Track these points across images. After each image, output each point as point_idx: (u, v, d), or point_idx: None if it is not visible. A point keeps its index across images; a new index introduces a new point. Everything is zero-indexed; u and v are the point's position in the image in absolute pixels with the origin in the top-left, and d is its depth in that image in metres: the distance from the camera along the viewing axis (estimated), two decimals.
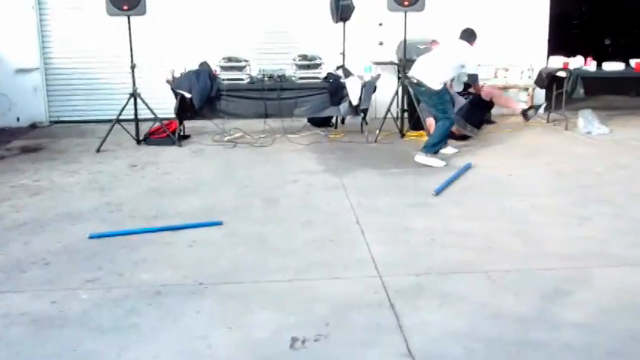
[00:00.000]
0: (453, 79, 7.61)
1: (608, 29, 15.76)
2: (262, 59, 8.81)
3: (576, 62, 8.79)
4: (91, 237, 4.87)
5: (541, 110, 8.41)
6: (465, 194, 5.91)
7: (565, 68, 8.71)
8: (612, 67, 8.87)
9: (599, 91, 8.96)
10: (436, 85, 6.96)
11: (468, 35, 7.16)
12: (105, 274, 4.21)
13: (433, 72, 6.98)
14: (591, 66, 8.81)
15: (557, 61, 8.94)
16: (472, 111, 7.93)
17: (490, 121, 8.89)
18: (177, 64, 8.24)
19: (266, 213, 5.46)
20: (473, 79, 7.30)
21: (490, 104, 8.07)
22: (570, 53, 9.14)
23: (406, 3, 7.83)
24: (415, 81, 7.13)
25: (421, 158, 6.94)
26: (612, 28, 15.66)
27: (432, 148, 6.99)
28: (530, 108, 8.16)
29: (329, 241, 4.79)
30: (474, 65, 7.14)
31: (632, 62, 8.92)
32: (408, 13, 7.95)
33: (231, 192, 6.05)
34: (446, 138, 7.18)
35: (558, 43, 10.22)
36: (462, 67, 7.14)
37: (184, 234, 4.93)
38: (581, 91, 8.51)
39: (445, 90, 7.16)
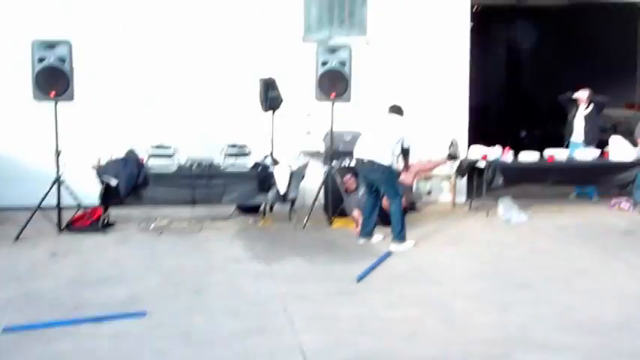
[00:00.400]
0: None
1: (523, 122, 16.67)
2: (192, 147, 8.83)
3: (494, 153, 9.23)
4: (6, 330, 4.65)
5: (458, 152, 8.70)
6: (390, 281, 5.99)
7: (484, 159, 9.12)
8: (528, 157, 9.34)
9: (517, 180, 9.36)
10: (387, 161, 7.24)
11: (398, 109, 7.58)
12: None
13: (380, 148, 7.25)
14: (508, 156, 9.26)
15: (477, 152, 9.37)
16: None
17: (414, 209, 9.13)
18: (104, 150, 8.17)
19: (192, 303, 5.36)
20: (406, 153, 7.49)
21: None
22: (489, 143, 9.60)
23: (332, 94, 8.10)
24: (366, 161, 7.33)
25: (395, 247, 7.13)
26: (528, 120, 16.58)
27: (401, 234, 7.23)
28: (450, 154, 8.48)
29: (256, 330, 4.74)
30: (412, 137, 7.46)
31: (546, 153, 9.44)
32: (335, 104, 8.22)
33: (156, 281, 5.93)
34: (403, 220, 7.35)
35: (478, 135, 10.72)
36: (402, 141, 7.37)
37: (106, 326, 4.78)
38: (500, 180, 8.92)
39: (393, 167, 7.38)
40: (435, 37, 10.04)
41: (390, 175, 7.32)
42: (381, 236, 7.54)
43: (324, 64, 8.08)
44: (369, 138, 7.47)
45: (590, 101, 9.94)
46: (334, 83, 8.09)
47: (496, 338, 4.62)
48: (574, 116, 10.04)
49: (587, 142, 9.87)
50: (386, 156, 7.24)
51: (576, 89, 10.06)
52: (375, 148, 7.28)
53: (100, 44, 9.17)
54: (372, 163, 7.27)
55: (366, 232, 7.59)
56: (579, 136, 9.96)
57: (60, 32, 8.14)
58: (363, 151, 7.39)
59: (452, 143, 8.39)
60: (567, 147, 9.94)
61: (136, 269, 6.35)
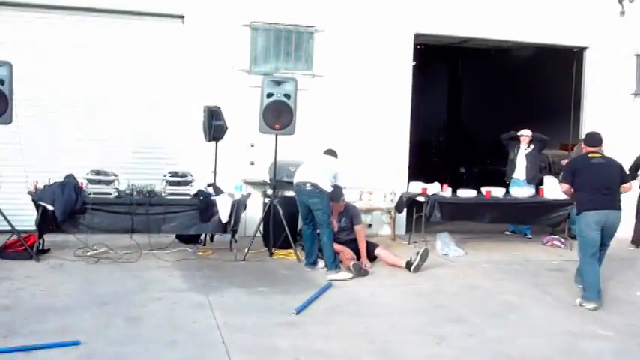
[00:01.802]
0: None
1: (463, 159, 17.10)
2: (132, 174, 8.75)
3: (434, 188, 9.46)
4: None
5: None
6: (329, 314, 6.02)
7: (424, 194, 9.33)
8: (466, 193, 9.60)
9: (455, 216, 9.59)
10: (326, 187, 7.53)
11: (332, 152, 7.91)
12: None
13: (321, 175, 7.55)
14: (447, 192, 9.50)
15: (417, 187, 9.58)
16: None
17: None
18: (41, 175, 8.00)
19: (128, 332, 5.27)
20: (338, 190, 7.73)
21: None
22: (429, 179, 9.83)
23: (277, 127, 8.17)
24: (309, 184, 7.50)
25: (332, 276, 7.28)
26: (467, 157, 17.02)
27: (334, 262, 7.44)
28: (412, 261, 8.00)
29: None
30: (345, 176, 7.75)
31: (484, 190, 9.72)
32: (279, 136, 8.29)
33: (90, 309, 5.80)
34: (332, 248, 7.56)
35: (418, 170, 10.97)
36: (334, 177, 7.64)
37: (37, 355, 4.65)
38: (438, 215, 9.14)
39: (325, 199, 7.59)
40: (380, 73, 10.30)
41: (326, 202, 7.58)
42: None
43: (269, 95, 8.16)
44: (311, 165, 7.76)
45: (531, 140, 10.31)
46: (279, 115, 8.17)
47: None
48: (516, 155, 10.38)
49: (529, 179, 10.23)
50: (326, 183, 7.54)
51: (516, 129, 10.43)
52: (317, 174, 7.57)
53: (42, 67, 9.06)
54: (314, 186, 7.49)
55: (311, 262, 7.73)
56: (521, 174, 10.31)
57: (0, 54, 8.02)
58: (305, 176, 7.61)
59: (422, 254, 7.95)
60: (509, 184, 10.25)
61: (69, 297, 6.21)
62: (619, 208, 6.65)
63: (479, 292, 7.08)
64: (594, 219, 6.49)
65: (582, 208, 6.63)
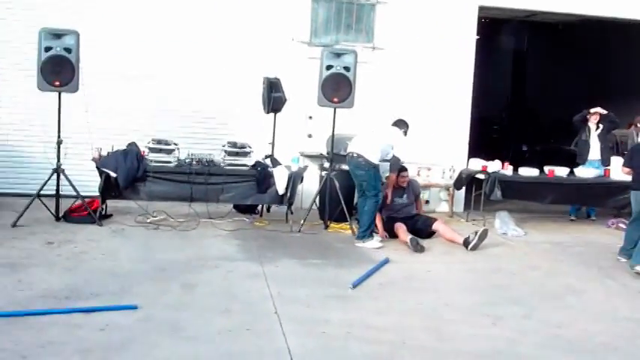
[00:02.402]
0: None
1: (525, 136, 16.68)
2: (192, 144, 8.87)
3: (494, 166, 9.23)
4: None
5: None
6: (383, 289, 5.99)
7: (484, 171, 9.13)
8: (528, 172, 9.34)
9: (516, 194, 9.36)
10: (374, 159, 7.53)
11: (399, 122, 7.84)
12: (7, 356, 4.02)
13: (370, 148, 7.55)
14: (508, 170, 9.27)
15: (477, 164, 9.37)
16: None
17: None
18: (105, 142, 8.19)
19: (183, 298, 5.37)
20: (394, 161, 7.68)
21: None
22: (489, 157, 9.62)
23: (335, 99, 8.11)
24: (355, 155, 7.56)
25: (359, 244, 7.42)
26: (530, 135, 16.59)
27: (365, 232, 7.50)
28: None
29: (245, 330, 4.74)
30: (401, 149, 7.67)
31: (546, 169, 9.44)
32: (337, 109, 8.24)
33: (148, 275, 5.93)
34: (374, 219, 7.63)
35: (478, 147, 10.75)
36: (391, 148, 7.63)
37: (96, 317, 4.78)
38: (499, 193, 8.91)
39: (378, 168, 7.66)
40: (442, 46, 10.09)
41: (374, 174, 7.59)
42: (377, 244, 7.56)
43: (328, 68, 8.09)
44: (363, 136, 7.76)
45: (599, 120, 9.89)
46: (338, 88, 8.10)
47: (484, 352, 4.62)
48: (588, 135, 9.97)
49: (604, 160, 9.84)
50: (373, 155, 7.54)
51: (582, 108, 10.01)
52: (367, 145, 7.58)
53: (108, 37, 9.25)
54: (360, 157, 7.52)
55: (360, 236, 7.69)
56: (596, 154, 9.92)
57: (68, 22, 8.18)
58: (354, 146, 7.67)
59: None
60: (581, 165, 9.84)
61: (129, 262, 6.36)
62: None
63: (538, 273, 6.92)
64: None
65: (633, 187, 7.44)
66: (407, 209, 8.13)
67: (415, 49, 10.00)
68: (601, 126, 9.91)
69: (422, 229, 8.01)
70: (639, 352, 4.83)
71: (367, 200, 7.59)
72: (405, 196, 8.15)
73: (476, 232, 7.73)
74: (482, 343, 4.77)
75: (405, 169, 8.16)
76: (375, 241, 7.53)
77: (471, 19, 10.23)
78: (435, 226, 8.05)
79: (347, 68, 8.12)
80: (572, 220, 10.12)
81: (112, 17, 9.32)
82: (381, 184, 7.77)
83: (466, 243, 7.67)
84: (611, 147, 11.49)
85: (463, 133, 10.36)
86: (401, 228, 7.78)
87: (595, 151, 9.93)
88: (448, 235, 7.99)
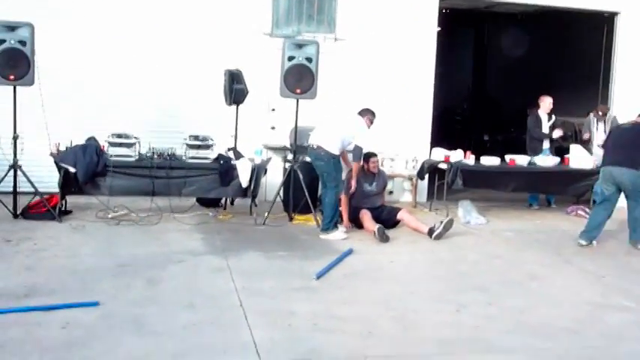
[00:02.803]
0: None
1: (487, 126, 16.85)
2: (153, 137, 8.70)
3: (456, 155, 9.31)
4: None
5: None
6: (347, 279, 6.00)
7: (446, 161, 9.20)
8: (489, 161, 9.44)
9: (478, 184, 9.46)
10: (334, 150, 7.54)
11: (364, 111, 7.84)
12: None
13: (330, 138, 7.56)
14: (470, 159, 9.35)
15: (440, 154, 9.44)
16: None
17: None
18: (63, 137, 8.01)
19: (146, 294, 5.29)
20: (357, 150, 7.67)
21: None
22: (452, 147, 9.69)
23: (298, 90, 8.08)
24: (315, 146, 7.57)
25: (324, 236, 7.44)
26: (491, 125, 16.76)
27: (329, 223, 7.48)
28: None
29: (210, 324, 4.70)
30: (363, 137, 7.67)
31: (507, 158, 9.56)
32: (300, 100, 8.21)
33: (110, 271, 5.83)
34: (337, 210, 7.62)
35: (441, 137, 10.82)
36: (352, 138, 7.63)
37: (57, 314, 4.69)
38: (460, 182, 9.01)
39: (339, 159, 7.66)
40: (403, 37, 10.11)
41: (334, 164, 7.59)
42: (343, 235, 7.58)
43: (290, 59, 8.05)
44: (323, 127, 7.76)
45: (551, 112, 10.09)
46: (300, 79, 8.07)
47: (450, 338, 4.66)
48: (541, 126, 10.13)
49: (551, 149, 10.06)
50: (333, 145, 7.55)
51: (540, 96, 10.17)
52: (326, 136, 7.59)
53: (65, 30, 9.03)
54: (319, 148, 7.54)
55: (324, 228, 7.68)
56: (546, 143, 10.10)
57: (22, 15, 7.97)
58: (315, 138, 7.68)
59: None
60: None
61: (90, 258, 6.25)
62: (631, 167, 7.38)
63: (500, 260, 7.01)
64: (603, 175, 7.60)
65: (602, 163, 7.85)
66: (373, 199, 8.14)
67: (377, 39, 10.01)
68: (553, 117, 10.07)
69: (387, 219, 8.03)
70: (600, 335, 4.93)
71: (328, 192, 7.60)
72: (374, 184, 8.15)
73: (441, 222, 7.78)
74: (447, 330, 4.81)
75: (374, 155, 8.16)
76: (339, 232, 7.55)
77: (432, 10, 10.27)
78: (400, 215, 8.09)
79: (309, 59, 8.08)
80: (535, 209, 10.24)
81: (68, 9, 9.10)
82: (341, 177, 7.75)
83: (431, 232, 7.73)
84: (570, 135, 11.72)
85: (425, 123, 10.41)
86: (366, 215, 7.79)
87: (546, 141, 10.11)
88: (413, 224, 8.03)
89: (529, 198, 10.36)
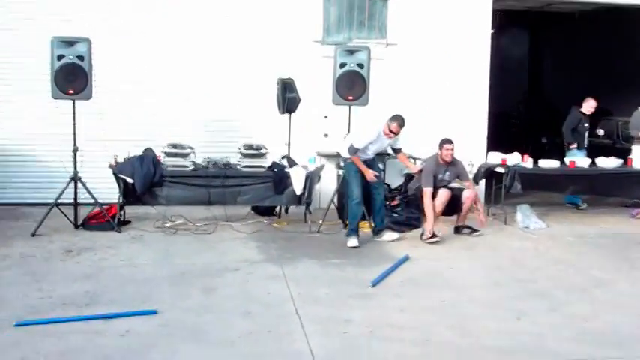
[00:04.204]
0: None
1: (544, 128, 16.45)
2: (208, 147, 8.82)
3: (514, 159, 9.10)
4: (18, 324, 4.67)
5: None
6: (404, 286, 5.92)
7: (503, 164, 9.00)
8: (548, 164, 9.20)
9: (536, 187, 9.23)
10: (344, 153, 7.57)
11: (392, 117, 7.53)
12: None
13: (344, 144, 7.65)
14: (528, 163, 9.13)
15: (496, 158, 9.24)
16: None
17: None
18: (121, 149, 8.18)
19: (203, 302, 5.34)
20: (350, 149, 7.54)
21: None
22: (509, 150, 9.48)
23: (350, 97, 8.06)
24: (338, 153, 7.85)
25: (347, 241, 7.39)
26: (548, 127, 16.35)
27: (347, 230, 7.53)
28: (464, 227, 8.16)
29: (267, 332, 4.70)
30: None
31: (567, 160, 9.30)
32: (352, 107, 8.16)
33: (168, 280, 5.91)
34: (357, 217, 7.54)
35: (497, 141, 10.60)
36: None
37: (116, 323, 4.77)
38: (519, 186, 8.78)
39: (351, 166, 7.55)
40: (456, 40, 9.96)
41: (348, 170, 7.61)
42: (395, 235, 7.64)
43: (342, 66, 8.03)
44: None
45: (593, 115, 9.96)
46: (352, 86, 8.05)
47: (510, 347, 4.54)
48: (584, 127, 9.98)
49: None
50: (343, 148, 7.61)
51: (595, 97, 9.97)
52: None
53: (120, 44, 9.22)
54: (339, 155, 7.77)
55: (376, 230, 7.78)
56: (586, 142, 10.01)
57: (79, 30, 8.19)
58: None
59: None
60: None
61: (148, 267, 6.35)
62: None
63: (562, 266, 6.80)
64: None
65: None
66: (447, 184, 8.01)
67: (429, 44, 9.89)
68: (596, 125, 9.94)
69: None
70: None
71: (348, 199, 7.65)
72: (447, 173, 7.97)
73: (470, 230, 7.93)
74: (507, 339, 4.68)
75: (449, 142, 7.98)
76: (352, 239, 7.38)
77: (485, 12, 10.10)
78: (466, 193, 7.97)
79: (361, 65, 8.06)
80: (582, 209, 9.97)
81: (123, 23, 9.30)
82: (358, 184, 7.53)
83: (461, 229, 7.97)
84: (633, 136, 11.33)
85: (481, 127, 10.22)
86: (441, 198, 7.77)
87: (585, 139, 10.00)
88: (478, 206, 8.02)
89: (565, 199, 10.09)
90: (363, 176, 7.50)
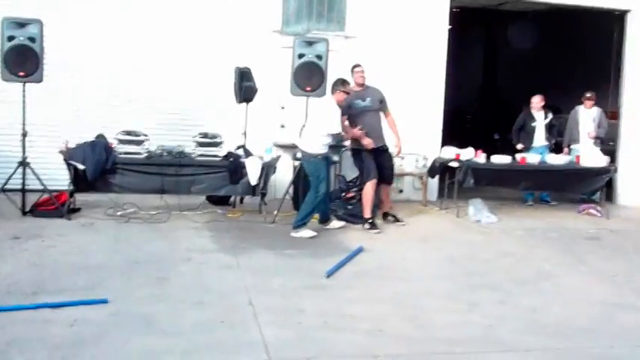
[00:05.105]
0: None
1: (497, 125, 16.72)
2: (163, 135, 8.70)
3: (467, 154, 9.23)
4: None
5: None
6: (358, 277, 5.94)
7: (457, 159, 9.12)
8: (500, 159, 9.35)
9: (488, 182, 9.37)
10: (313, 150, 7.48)
11: (333, 86, 7.54)
12: None
13: (307, 138, 7.54)
14: (481, 158, 9.27)
15: (450, 152, 9.36)
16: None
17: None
18: (72, 134, 7.99)
19: (155, 292, 5.25)
20: (336, 138, 7.63)
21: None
22: (462, 145, 9.61)
23: (308, 88, 8.04)
24: (299, 152, 7.67)
25: (293, 234, 7.34)
26: (502, 124, 16.63)
27: (302, 221, 7.42)
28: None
29: (220, 322, 4.66)
30: (332, 125, 7.45)
31: (518, 156, 9.48)
32: (310, 98, 8.15)
33: (119, 269, 5.80)
34: (311, 213, 7.55)
35: (451, 136, 10.73)
36: (325, 130, 7.48)
37: (66, 312, 4.66)
38: (471, 181, 8.92)
39: (322, 158, 7.51)
40: (414, 35, 10.04)
41: (314, 165, 7.52)
42: (341, 223, 7.84)
43: (300, 56, 8.01)
44: (305, 127, 7.75)
45: (544, 108, 10.13)
46: (310, 77, 8.03)
47: (461, 338, 4.60)
48: (533, 122, 10.19)
49: (549, 146, 10.17)
50: (312, 145, 7.48)
51: (546, 94, 10.20)
52: (304, 137, 7.63)
53: (74, 27, 9.02)
54: (300, 151, 7.62)
55: (320, 220, 7.85)
56: (541, 141, 10.16)
57: (31, 11, 7.96)
58: (297, 139, 7.84)
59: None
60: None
61: (99, 256, 6.22)
62: None
63: (512, 259, 6.93)
64: None
65: None
66: (372, 120, 7.95)
67: (387, 37, 9.93)
68: (549, 115, 10.10)
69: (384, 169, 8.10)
70: (615, 335, 4.85)
71: (311, 191, 7.53)
72: (368, 98, 7.97)
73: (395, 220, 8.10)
74: (459, 330, 4.74)
75: (358, 65, 8.07)
76: (307, 231, 7.39)
77: (443, 9, 10.20)
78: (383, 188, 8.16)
79: (319, 57, 8.05)
80: (529, 205, 10.22)
81: (77, 7, 9.09)
82: (327, 175, 7.62)
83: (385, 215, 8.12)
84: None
85: (436, 122, 10.34)
86: (369, 194, 7.85)
87: (540, 137, 10.12)
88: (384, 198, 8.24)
89: (526, 195, 10.33)
90: (328, 172, 7.54)
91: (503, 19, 16.78)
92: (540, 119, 10.21)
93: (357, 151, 8.00)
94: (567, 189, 9.88)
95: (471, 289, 5.74)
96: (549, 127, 10.24)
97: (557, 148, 10.31)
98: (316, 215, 7.79)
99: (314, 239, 7.29)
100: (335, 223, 7.89)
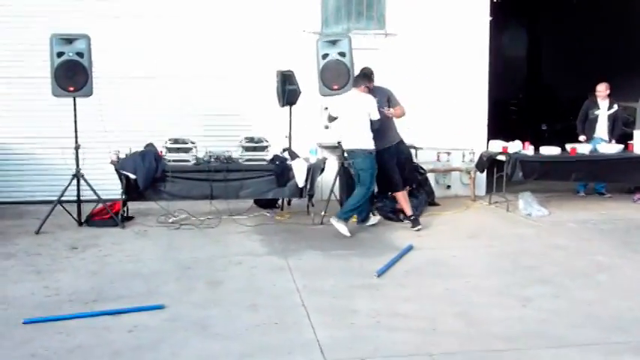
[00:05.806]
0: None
1: (544, 115, 16.44)
2: (209, 141, 8.82)
3: (515, 146, 9.10)
4: (26, 322, 4.68)
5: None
6: (409, 276, 5.94)
7: (504, 152, 9.00)
8: (549, 151, 9.20)
9: (538, 174, 9.22)
10: (367, 145, 7.44)
11: (356, 82, 7.63)
12: None
13: (358, 137, 7.45)
14: (529, 150, 9.12)
15: (497, 146, 9.24)
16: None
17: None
18: (122, 145, 8.19)
19: (209, 296, 5.36)
20: (376, 124, 7.52)
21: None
22: (509, 138, 9.48)
23: (336, 87, 8.00)
24: (349, 150, 7.59)
25: (333, 221, 7.39)
26: (548, 114, 16.35)
27: (344, 214, 7.45)
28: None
29: (274, 324, 4.72)
30: (374, 112, 7.45)
31: (568, 147, 9.30)
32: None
33: (173, 274, 5.93)
34: (360, 208, 7.56)
35: (498, 129, 10.61)
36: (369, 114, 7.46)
37: (124, 319, 4.79)
38: (520, 174, 8.79)
39: (373, 155, 7.47)
40: (455, 29, 9.95)
41: (369, 162, 7.46)
42: (378, 217, 7.93)
43: (324, 56, 8.01)
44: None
45: (609, 98, 9.77)
46: (337, 75, 8.00)
47: (516, 334, 4.56)
48: (597, 112, 9.85)
49: (610, 139, 9.73)
50: (364, 141, 7.44)
51: (598, 82, 9.90)
52: (355, 137, 7.49)
53: (119, 40, 9.21)
54: (353, 151, 7.53)
55: (360, 219, 7.86)
56: (603, 132, 9.80)
57: (78, 27, 8.17)
58: (346, 143, 7.70)
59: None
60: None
61: (153, 263, 6.36)
62: None
63: (565, 252, 6.82)
64: None
65: None
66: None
67: (428, 33, 9.87)
68: (615, 106, 9.75)
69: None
70: None
71: (361, 187, 7.50)
72: (376, 98, 7.80)
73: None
74: (513, 326, 4.70)
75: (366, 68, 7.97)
76: (344, 229, 7.34)
77: (482, 1, 10.08)
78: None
79: (342, 54, 8.00)
80: (581, 196, 9.97)
81: (121, 19, 9.29)
82: (373, 178, 7.58)
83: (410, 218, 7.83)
84: (632, 121, 11.31)
85: (481, 115, 10.22)
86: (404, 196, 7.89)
87: (602, 128, 9.79)
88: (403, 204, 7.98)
89: (579, 186, 10.08)
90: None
91: (547, 7, 16.51)
92: (604, 109, 9.82)
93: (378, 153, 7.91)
94: (621, 178, 9.64)
95: (523, 284, 5.68)
96: (613, 120, 9.81)
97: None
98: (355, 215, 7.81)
99: (363, 239, 7.29)
100: (373, 219, 7.93)
